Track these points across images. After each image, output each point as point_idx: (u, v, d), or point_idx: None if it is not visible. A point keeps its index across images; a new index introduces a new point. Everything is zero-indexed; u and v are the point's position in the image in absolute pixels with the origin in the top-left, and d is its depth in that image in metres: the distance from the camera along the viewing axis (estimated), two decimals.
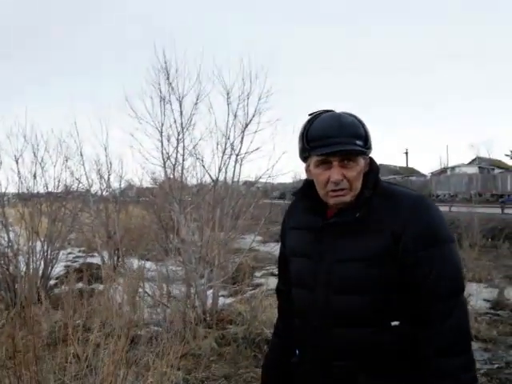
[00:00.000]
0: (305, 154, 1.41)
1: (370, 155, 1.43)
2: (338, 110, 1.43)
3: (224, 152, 6.20)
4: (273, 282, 7.71)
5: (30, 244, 8.09)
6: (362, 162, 1.37)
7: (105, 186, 10.32)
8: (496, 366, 4.54)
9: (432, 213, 1.36)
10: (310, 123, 1.39)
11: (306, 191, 1.50)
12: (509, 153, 52.59)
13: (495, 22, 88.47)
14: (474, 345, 5.12)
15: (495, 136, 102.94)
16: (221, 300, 6.64)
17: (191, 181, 6.90)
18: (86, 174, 9.67)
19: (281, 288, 1.71)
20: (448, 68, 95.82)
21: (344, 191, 1.35)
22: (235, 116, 6.17)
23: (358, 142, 1.33)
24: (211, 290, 6.32)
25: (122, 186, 11.00)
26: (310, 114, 1.41)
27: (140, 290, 5.68)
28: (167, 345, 3.11)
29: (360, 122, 1.38)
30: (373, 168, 1.43)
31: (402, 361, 1.33)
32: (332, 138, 1.33)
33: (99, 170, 10.01)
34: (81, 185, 9.77)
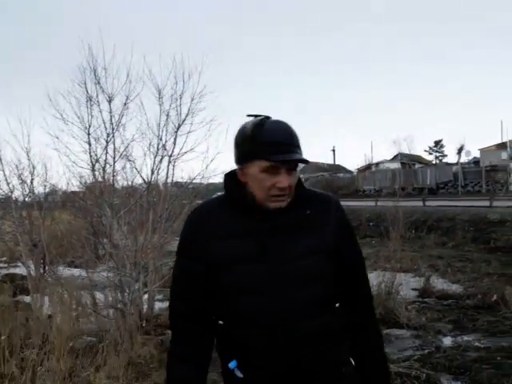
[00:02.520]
0: (251, 156, 1.38)
1: None
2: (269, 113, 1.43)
3: (156, 153, 6.05)
4: None
5: None
6: (296, 171, 1.43)
7: (27, 191, 9.72)
8: (427, 351, 4.77)
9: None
10: (259, 127, 1.36)
11: (235, 195, 1.46)
12: (427, 148, 55.92)
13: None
14: (406, 332, 5.37)
15: (415, 133, 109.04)
16: (157, 304, 6.49)
17: (122, 183, 6.69)
18: (6, 179, 9.04)
19: (187, 311, 1.50)
20: (368, 68, 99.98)
21: (285, 197, 1.39)
22: (167, 116, 6.05)
23: (300, 151, 1.40)
24: (146, 295, 6.17)
25: (47, 190, 10.43)
26: (248, 115, 1.41)
27: (72, 299, 5.41)
28: (105, 356, 2.98)
29: (293, 129, 1.42)
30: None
31: (344, 337, 1.51)
32: (285, 145, 1.36)
33: (20, 174, 9.40)
34: (0, 191, 9.16)
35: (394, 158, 47.35)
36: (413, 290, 7.45)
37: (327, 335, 1.44)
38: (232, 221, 1.44)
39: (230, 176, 1.49)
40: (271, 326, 1.39)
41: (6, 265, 11.62)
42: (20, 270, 9.73)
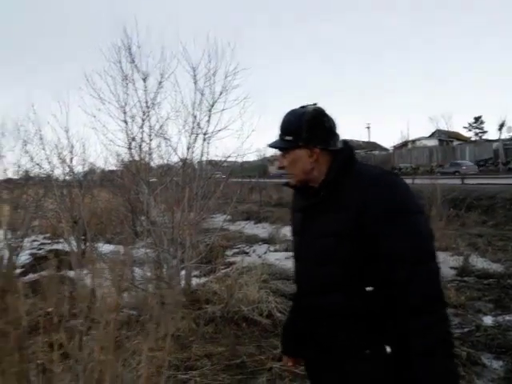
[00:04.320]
0: None
1: (344, 139, 1.63)
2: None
3: (192, 131, 6.08)
4: (244, 260, 7.73)
5: None
6: (298, 152, 1.58)
7: (67, 169, 9.98)
8: (467, 329, 4.70)
9: (392, 188, 1.48)
10: None
11: None
12: (466, 125, 54.11)
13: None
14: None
15: (454, 109, 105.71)
16: (194, 280, 6.61)
17: (158, 161, 6.76)
18: (47, 158, 9.31)
19: None
20: (405, 43, 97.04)
21: (288, 175, 1.65)
22: (202, 94, 6.04)
23: (287, 138, 1.58)
24: (184, 271, 6.28)
25: (86, 169, 10.68)
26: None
27: (113, 274, 5.55)
28: (146, 328, 3.06)
29: (300, 117, 1.56)
30: (341, 151, 1.58)
31: (374, 321, 1.49)
32: (279, 133, 1.63)
33: (60, 153, 9.65)
34: (42, 170, 9.43)
35: (432, 135, 46.17)
36: (451, 268, 7.31)
37: (341, 314, 1.51)
38: (296, 197, 1.76)
39: None
40: (302, 293, 1.69)
41: (49, 241, 12.02)
42: (62, 246, 10.03)
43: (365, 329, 1.49)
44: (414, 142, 44.34)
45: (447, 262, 7.45)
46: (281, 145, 1.62)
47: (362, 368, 1.48)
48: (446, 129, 49.50)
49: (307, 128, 1.55)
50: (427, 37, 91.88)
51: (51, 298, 4.08)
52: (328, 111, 1.60)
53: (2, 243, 7.94)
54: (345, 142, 1.63)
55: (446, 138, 42.63)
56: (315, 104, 1.62)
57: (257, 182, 22.89)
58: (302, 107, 1.60)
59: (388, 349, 1.46)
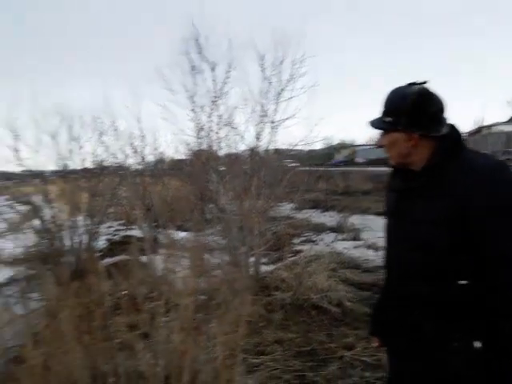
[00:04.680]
0: None
1: (451, 123, 1.53)
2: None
3: (259, 120, 6.10)
4: (312, 249, 7.69)
5: (73, 219, 8.29)
6: (395, 135, 1.53)
7: (139, 159, 10.38)
8: None
9: (499, 183, 1.36)
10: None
11: None
12: None
13: None
14: None
15: None
16: (262, 267, 6.67)
17: (226, 150, 6.86)
18: (120, 148, 9.73)
19: None
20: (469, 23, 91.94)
21: (388, 155, 1.60)
22: (269, 83, 6.04)
23: (387, 119, 1.53)
24: (253, 258, 6.35)
25: (156, 158, 11.06)
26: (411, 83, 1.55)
27: (184, 259, 5.73)
28: (220, 312, 3.13)
29: (402, 99, 1.48)
30: (447, 137, 1.49)
31: (464, 315, 1.43)
32: (382, 111, 1.58)
33: (133, 143, 10.05)
34: (116, 159, 9.86)
35: (510, 120, 43.52)
36: None
37: (430, 304, 1.47)
38: (393, 178, 1.70)
39: None
40: (393, 279, 1.67)
41: (123, 227, 12.56)
42: (135, 232, 10.46)
43: (453, 321, 1.44)
44: (489, 127, 42.03)
45: None
46: (380, 125, 1.58)
47: (449, 361, 1.45)
48: None
49: (408, 112, 1.48)
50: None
51: (128, 280, 4.29)
52: (437, 92, 1.49)
53: (82, 228, 8.42)
54: (451, 126, 1.53)
55: None
56: (423, 83, 1.50)
57: (324, 171, 22.68)
58: (409, 85, 1.51)
59: (477, 344, 1.40)
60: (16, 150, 7.48)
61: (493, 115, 45.95)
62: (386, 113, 1.54)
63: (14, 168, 8.19)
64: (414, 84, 1.50)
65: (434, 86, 1.50)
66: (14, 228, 9.17)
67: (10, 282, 8.05)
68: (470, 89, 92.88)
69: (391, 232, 1.66)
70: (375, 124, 1.58)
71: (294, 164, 7.57)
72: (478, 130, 43.47)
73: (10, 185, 9.38)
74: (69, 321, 2.51)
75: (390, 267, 1.70)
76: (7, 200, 8.76)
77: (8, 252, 9.22)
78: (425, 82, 1.50)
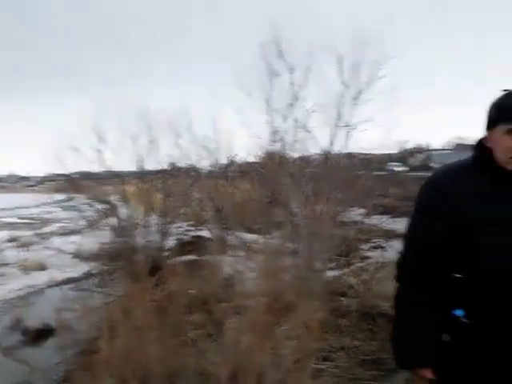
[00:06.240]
0: (496, 122, 1.51)
1: None
2: None
3: (336, 124, 6.05)
4: (381, 255, 7.51)
5: (147, 218, 8.66)
6: None
7: (212, 161, 10.61)
8: None
9: None
10: (507, 95, 1.51)
11: (482, 157, 1.57)
12: None
13: None
14: None
15: None
16: (330, 272, 6.60)
17: (300, 153, 6.85)
18: (194, 150, 9.99)
19: (420, 264, 1.66)
20: None
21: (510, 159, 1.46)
22: (346, 86, 5.98)
23: None
24: (320, 263, 6.30)
25: (229, 160, 11.26)
26: (504, 90, 1.53)
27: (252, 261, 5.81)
28: (289, 316, 3.15)
29: None
30: None
31: None
32: None
33: (207, 146, 10.28)
34: (190, 161, 10.15)
35: None
36: None
37: None
38: (482, 185, 1.54)
39: (479, 143, 1.60)
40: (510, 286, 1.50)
41: (193, 228, 12.89)
42: (204, 233, 10.70)
43: None
44: None
45: None
46: None
47: None
48: None
49: None
50: None
51: (198, 280, 4.41)
52: None
53: (155, 227, 8.76)
54: None
55: None
56: None
57: (397, 176, 22.06)
58: None
59: None
60: (99, 151, 7.93)
61: None
62: None
63: (95, 168, 8.71)
64: None
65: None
66: (92, 225, 9.72)
67: (87, 276, 8.55)
68: None
69: (507, 240, 1.50)
70: None
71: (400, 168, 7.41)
72: None
73: (91, 184, 9.94)
74: (143, 316, 2.64)
75: (498, 276, 1.52)
76: (88, 199, 9.28)
77: (85, 248, 9.79)
78: None
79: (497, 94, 1.55)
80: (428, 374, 1.64)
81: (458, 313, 1.58)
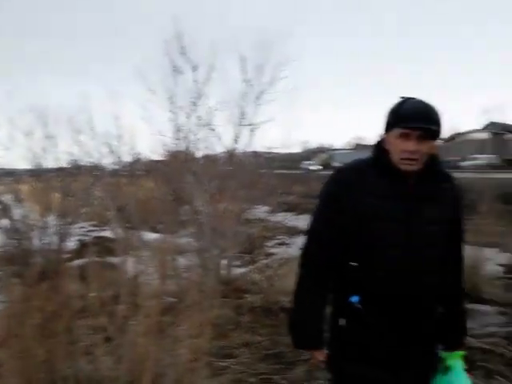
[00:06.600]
0: (392, 126, 1.68)
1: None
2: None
3: (239, 122, 6.10)
4: (284, 252, 7.71)
5: (43, 219, 8.14)
6: (433, 143, 1.68)
7: (115, 159, 10.23)
8: None
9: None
10: (402, 103, 1.68)
11: (380, 158, 1.74)
12: None
13: None
14: (491, 309, 5.12)
15: (507, 100, 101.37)
16: (235, 270, 6.66)
17: (204, 152, 6.83)
18: (96, 147, 9.56)
19: (321, 255, 1.78)
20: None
21: (414, 161, 1.64)
22: (250, 85, 6.06)
23: (433, 127, 1.62)
24: (225, 260, 6.34)
25: (133, 159, 10.92)
26: (401, 97, 1.71)
27: (155, 261, 5.69)
28: (185, 315, 3.12)
29: (437, 111, 1.65)
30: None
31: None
32: (419, 116, 1.61)
33: (109, 143, 9.88)
34: (91, 159, 9.70)
35: (485, 128, 44.43)
36: (499, 265, 7.05)
37: (436, 293, 1.75)
38: (382, 183, 1.70)
39: (378, 144, 1.77)
40: (401, 274, 1.67)
41: (96, 228, 12.39)
42: (107, 233, 10.31)
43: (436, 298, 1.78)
44: (463, 134, 42.84)
45: (495, 259, 7.19)
46: (431, 127, 1.63)
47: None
48: (501, 121, 47.32)
49: (440, 123, 1.66)
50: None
51: (95, 283, 4.22)
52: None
53: (53, 229, 8.27)
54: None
55: (499, 131, 40.85)
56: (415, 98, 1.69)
57: (299, 174, 22.81)
58: (409, 99, 1.68)
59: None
60: None
61: (467, 123, 46.89)
62: (431, 122, 1.63)
63: None
64: (409, 98, 1.70)
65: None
66: None
67: None
68: (447, 96, 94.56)
69: (396, 236, 1.67)
70: (425, 127, 1.62)
71: (269, 167, 7.58)
72: (452, 137, 44.29)
73: None
74: (33, 323, 2.47)
75: (393, 270, 1.67)
76: None
77: None
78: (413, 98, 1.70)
79: (395, 100, 1.72)
80: (320, 355, 1.81)
81: (354, 299, 1.72)
